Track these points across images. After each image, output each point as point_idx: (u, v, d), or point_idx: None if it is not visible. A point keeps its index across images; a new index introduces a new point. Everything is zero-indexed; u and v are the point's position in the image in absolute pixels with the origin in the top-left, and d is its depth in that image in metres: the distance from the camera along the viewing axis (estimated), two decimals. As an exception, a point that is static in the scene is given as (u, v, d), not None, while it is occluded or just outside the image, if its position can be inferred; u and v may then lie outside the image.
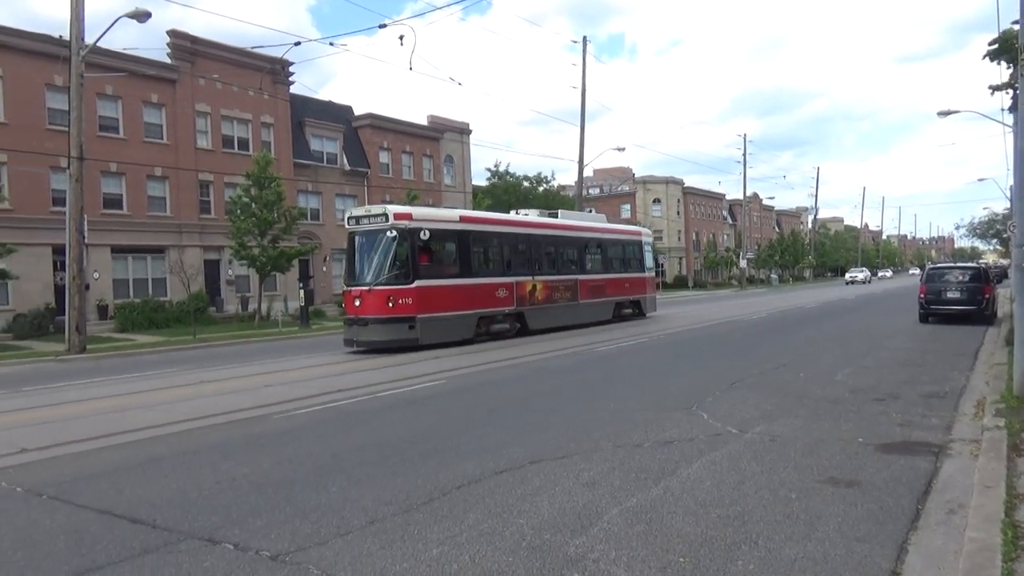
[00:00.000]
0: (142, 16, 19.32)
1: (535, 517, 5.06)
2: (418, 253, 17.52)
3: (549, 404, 9.82)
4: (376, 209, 18.19)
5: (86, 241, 20.70)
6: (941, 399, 9.24)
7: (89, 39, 20.38)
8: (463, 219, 19.74)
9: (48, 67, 27.93)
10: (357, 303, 17.60)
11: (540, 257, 22.28)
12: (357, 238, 18.23)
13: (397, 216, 17.49)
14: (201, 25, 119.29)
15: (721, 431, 7.63)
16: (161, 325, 29.31)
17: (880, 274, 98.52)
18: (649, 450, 6.91)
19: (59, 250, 24.96)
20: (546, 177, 56.82)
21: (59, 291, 27.33)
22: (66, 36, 20.79)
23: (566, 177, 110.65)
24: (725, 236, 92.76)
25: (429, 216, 18.61)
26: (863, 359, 13.37)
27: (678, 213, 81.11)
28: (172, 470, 6.79)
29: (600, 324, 24.01)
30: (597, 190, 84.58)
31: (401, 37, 23.76)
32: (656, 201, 79.28)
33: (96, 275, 29.52)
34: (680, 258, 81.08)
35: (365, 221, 18.04)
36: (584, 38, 38.90)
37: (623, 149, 44.53)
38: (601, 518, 5.00)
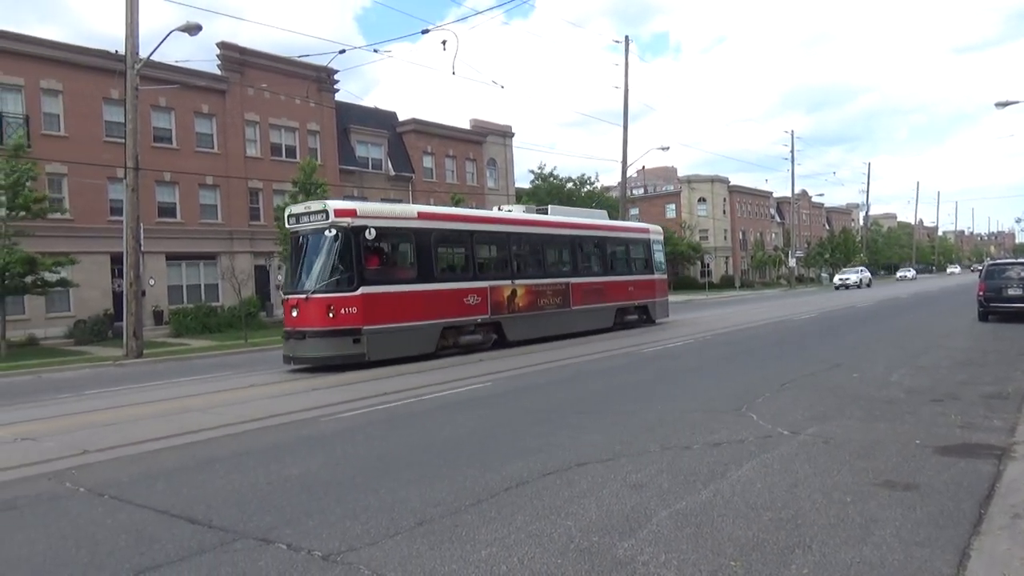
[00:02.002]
0: (193, 29, 19.88)
1: (583, 519, 5.03)
2: (364, 255, 15.41)
3: (594, 406, 9.77)
4: (316, 205, 16.08)
5: (142, 249, 21.32)
6: (1003, 400, 8.92)
7: (143, 53, 21.02)
8: (421, 216, 17.26)
9: (105, 81, 28.92)
10: (295, 313, 15.61)
11: (522, 258, 20.07)
12: (298, 239, 16.23)
13: (338, 212, 15.39)
14: (250, 36, 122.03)
15: (772, 433, 7.50)
16: (214, 330, 30.04)
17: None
18: (698, 452, 6.82)
19: (117, 258, 25.77)
20: (589, 178, 56.67)
21: (117, 298, 28.21)
22: (122, 51, 21.49)
23: (610, 178, 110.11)
24: (773, 235, 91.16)
25: (378, 212, 16.30)
26: (919, 359, 13.00)
27: (724, 212, 79.98)
28: (226, 471, 6.94)
29: (599, 333, 21.59)
30: (641, 190, 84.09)
31: (444, 42, 24.14)
32: (701, 200, 78.32)
33: (152, 282, 30.39)
34: (727, 258, 79.94)
35: (305, 219, 15.92)
36: (626, 38, 38.68)
37: (667, 148, 43.94)
38: (650, 521, 4.96)
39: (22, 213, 22.95)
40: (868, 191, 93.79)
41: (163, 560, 4.62)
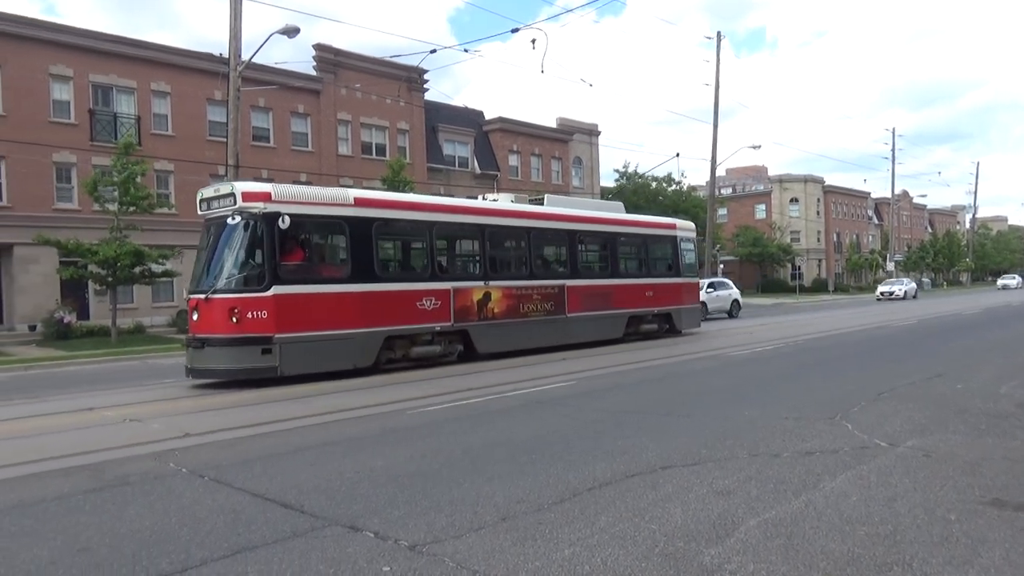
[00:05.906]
0: (292, 32, 20.68)
1: (667, 524, 4.95)
2: (280, 248, 12.87)
3: (680, 408, 9.61)
4: (224, 188, 13.53)
5: (240, 243, 22.22)
6: None
7: (245, 56, 21.96)
8: (360, 202, 14.31)
9: (209, 83, 30.40)
10: (195, 317, 13.20)
11: (500, 255, 17.47)
12: (208, 228, 13.76)
13: (247, 196, 12.88)
14: (344, 38, 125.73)
15: (868, 444, 7.17)
16: (305, 322, 31.01)
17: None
18: (788, 460, 6.60)
19: (217, 251, 27.05)
20: (675, 178, 55.60)
21: (216, 289, 29.61)
22: (225, 54, 22.52)
23: (698, 177, 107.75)
24: (870, 237, 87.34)
25: (301, 197, 13.62)
26: (1032, 371, 12.17)
27: (818, 213, 77.17)
28: (315, 459, 7.18)
29: (607, 344, 18.75)
30: (729, 190, 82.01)
31: (533, 41, 24.22)
32: (793, 201, 75.80)
33: (248, 275, 31.73)
34: (820, 260, 77.13)
35: (215, 204, 13.39)
36: (718, 33, 37.89)
37: (759, 147, 42.78)
38: (737, 528, 4.83)
39: (132, 208, 24.38)
40: (976, 192, 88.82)
41: (259, 542, 4.82)
